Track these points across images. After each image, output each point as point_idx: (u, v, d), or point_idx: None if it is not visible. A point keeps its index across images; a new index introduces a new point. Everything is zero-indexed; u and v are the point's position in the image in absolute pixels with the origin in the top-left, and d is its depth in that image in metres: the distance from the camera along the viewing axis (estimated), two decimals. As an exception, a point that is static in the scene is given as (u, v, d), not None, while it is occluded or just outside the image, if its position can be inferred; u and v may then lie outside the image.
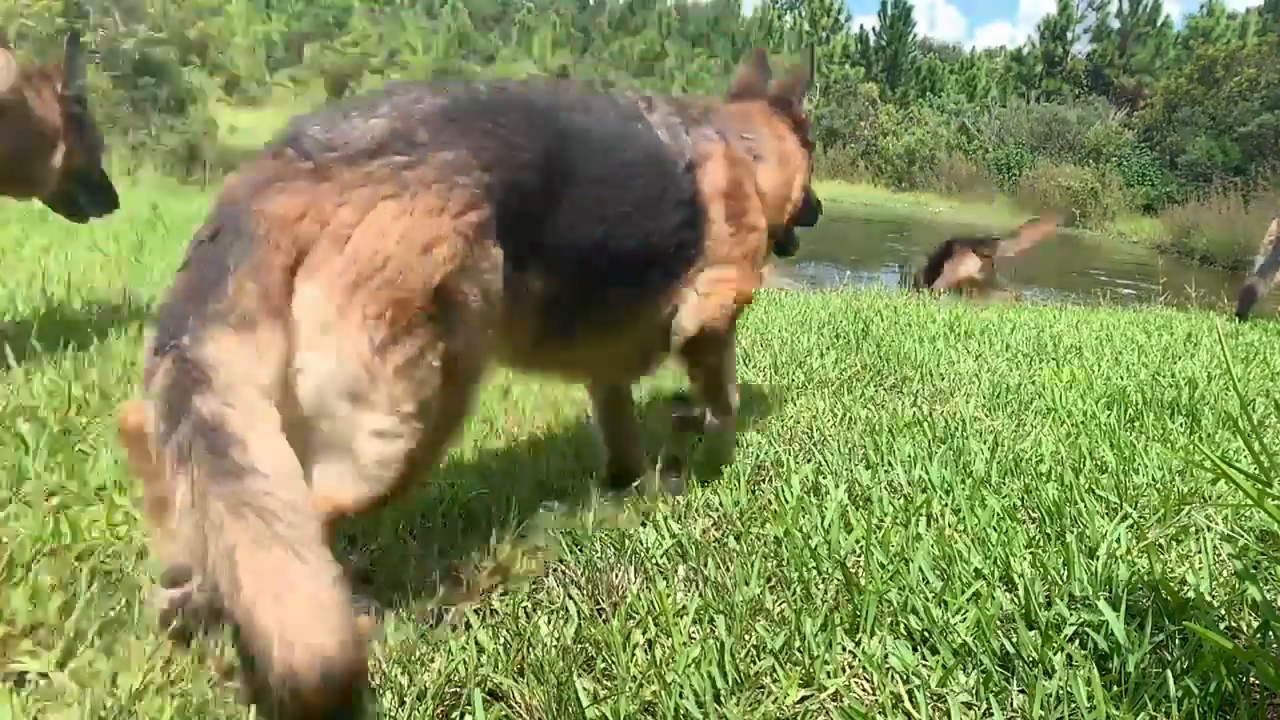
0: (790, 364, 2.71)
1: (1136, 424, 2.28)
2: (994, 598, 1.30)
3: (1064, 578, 1.36)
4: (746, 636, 1.21)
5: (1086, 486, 1.75)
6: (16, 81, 2.20)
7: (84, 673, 1.05)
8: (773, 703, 1.09)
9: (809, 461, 1.88)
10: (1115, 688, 1.10)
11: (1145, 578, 1.34)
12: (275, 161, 1.07)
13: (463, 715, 1.06)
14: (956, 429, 2.11)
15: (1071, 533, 1.51)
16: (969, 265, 6.97)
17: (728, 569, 1.39)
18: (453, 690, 1.09)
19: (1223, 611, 1.29)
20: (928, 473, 1.79)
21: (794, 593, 1.32)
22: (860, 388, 2.51)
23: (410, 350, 1.08)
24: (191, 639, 1.10)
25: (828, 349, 3.00)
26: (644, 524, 1.55)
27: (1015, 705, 1.10)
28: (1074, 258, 18.03)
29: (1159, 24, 33.75)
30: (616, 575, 1.36)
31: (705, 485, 1.72)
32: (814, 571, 1.38)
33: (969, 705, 1.10)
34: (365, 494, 1.09)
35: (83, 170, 2.42)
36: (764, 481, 1.79)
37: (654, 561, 1.42)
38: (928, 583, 1.35)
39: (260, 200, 1.03)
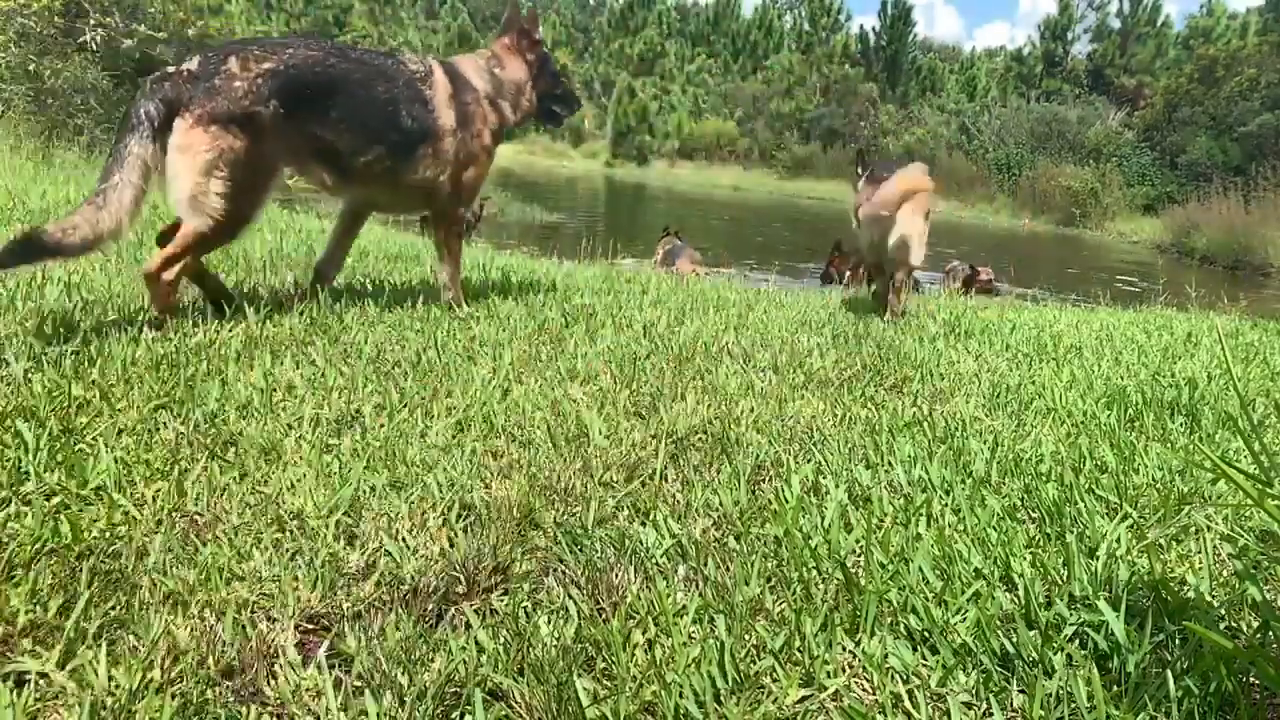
0: (790, 364, 2.71)
1: (1136, 424, 2.28)
2: (994, 598, 1.30)
3: (1064, 578, 1.36)
4: (746, 636, 1.21)
5: (1086, 486, 1.75)
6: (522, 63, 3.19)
7: (84, 673, 1.05)
8: (773, 703, 1.09)
9: (809, 461, 1.88)
10: (1115, 688, 1.10)
11: (1145, 578, 1.34)
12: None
13: (463, 715, 1.06)
14: (956, 429, 2.11)
15: (1071, 533, 1.51)
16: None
17: (728, 569, 1.39)
18: (453, 690, 1.09)
19: (1223, 611, 1.29)
20: (928, 473, 1.79)
21: (794, 593, 1.32)
22: (860, 388, 2.51)
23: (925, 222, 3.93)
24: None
25: (828, 349, 3.00)
26: (644, 524, 1.55)
27: (1015, 705, 1.10)
28: (1074, 258, 18.02)
29: (1159, 24, 33.75)
30: (616, 575, 1.36)
31: (705, 485, 1.72)
32: (814, 571, 1.38)
33: (969, 705, 1.10)
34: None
35: (550, 90, 3.30)
36: (764, 481, 1.79)
37: (654, 561, 1.42)
38: (928, 583, 1.35)
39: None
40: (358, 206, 3.09)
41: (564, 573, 1.38)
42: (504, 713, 1.07)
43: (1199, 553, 1.48)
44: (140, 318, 2.42)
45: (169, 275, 2.42)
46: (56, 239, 2.17)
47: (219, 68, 2.39)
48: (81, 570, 1.23)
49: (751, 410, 2.19)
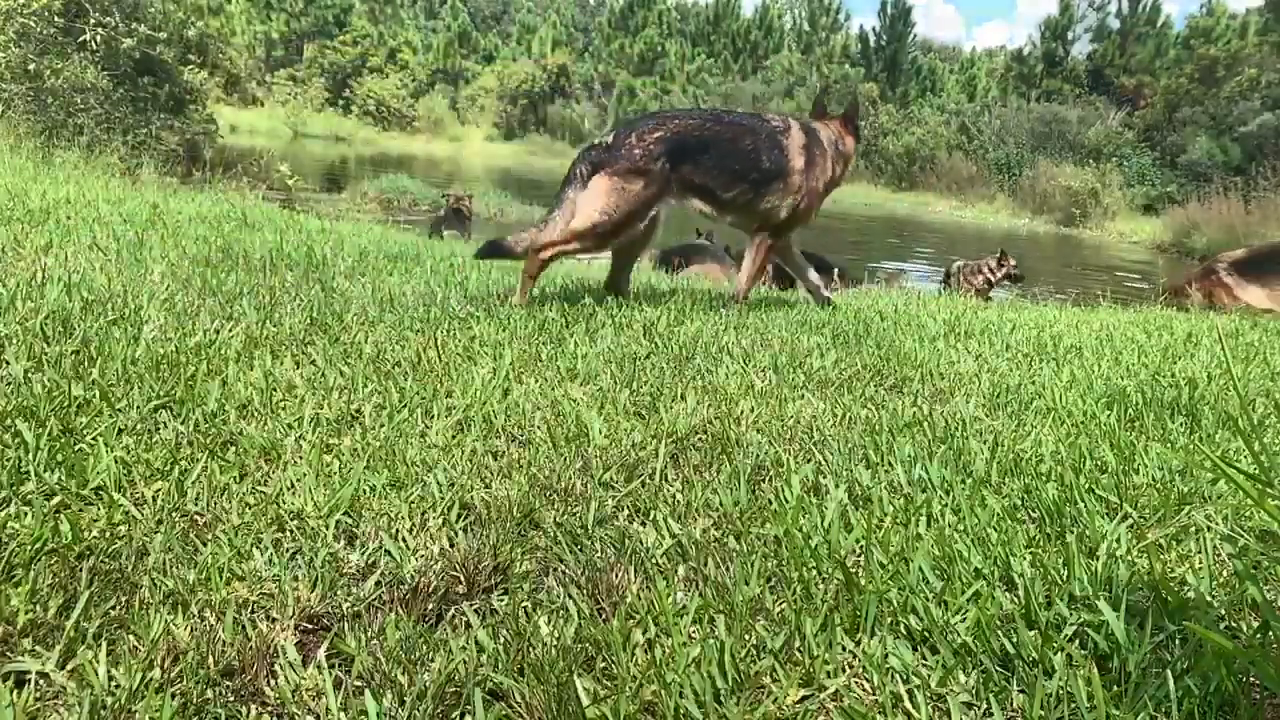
0: (790, 364, 2.71)
1: (1136, 424, 2.28)
2: (994, 598, 1.30)
3: (1064, 578, 1.36)
4: (746, 636, 1.21)
5: (1086, 486, 1.75)
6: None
7: (84, 673, 1.05)
8: (773, 703, 1.09)
9: (809, 461, 1.88)
10: (1115, 688, 1.10)
11: (1145, 578, 1.34)
12: None
13: (463, 715, 1.06)
14: (956, 429, 2.11)
15: (1071, 533, 1.51)
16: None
17: (728, 569, 1.39)
18: (453, 690, 1.09)
19: (1223, 611, 1.29)
20: (928, 473, 1.79)
21: (794, 593, 1.32)
22: (860, 388, 2.51)
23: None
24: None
25: (828, 349, 3.00)
26: (644, 524, 1.55)
27: (1015, 705, 1.10)
28: (1074, 257, 18.04)
29: (1159, 24, 33.73)
30: (616, 575, 1.36)
31: (705, 485, 1.72)
32: (814, 571, 1.38)
33: (969, 705, 1.10)
34: None
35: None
36: (764, 481, 1.79)
37: (654, 561, 1.42)
38: (928, 583, 1.35)
39: None
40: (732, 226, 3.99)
41: (564, 573, 1.38)
42: (504, 713, 1.07)
43: (1199, 553, 1.48)
44: (141, 317, 2.42)
45: (545, 255, 3.43)
46: (510, 245, 3.43)
47: (625, 140, 3.43)
48: (81, 570, 1.23)
49: (751, 410, 2.19)
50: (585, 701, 1.06)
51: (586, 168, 3.44)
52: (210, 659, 1.10)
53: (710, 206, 3.64)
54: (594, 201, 3.40)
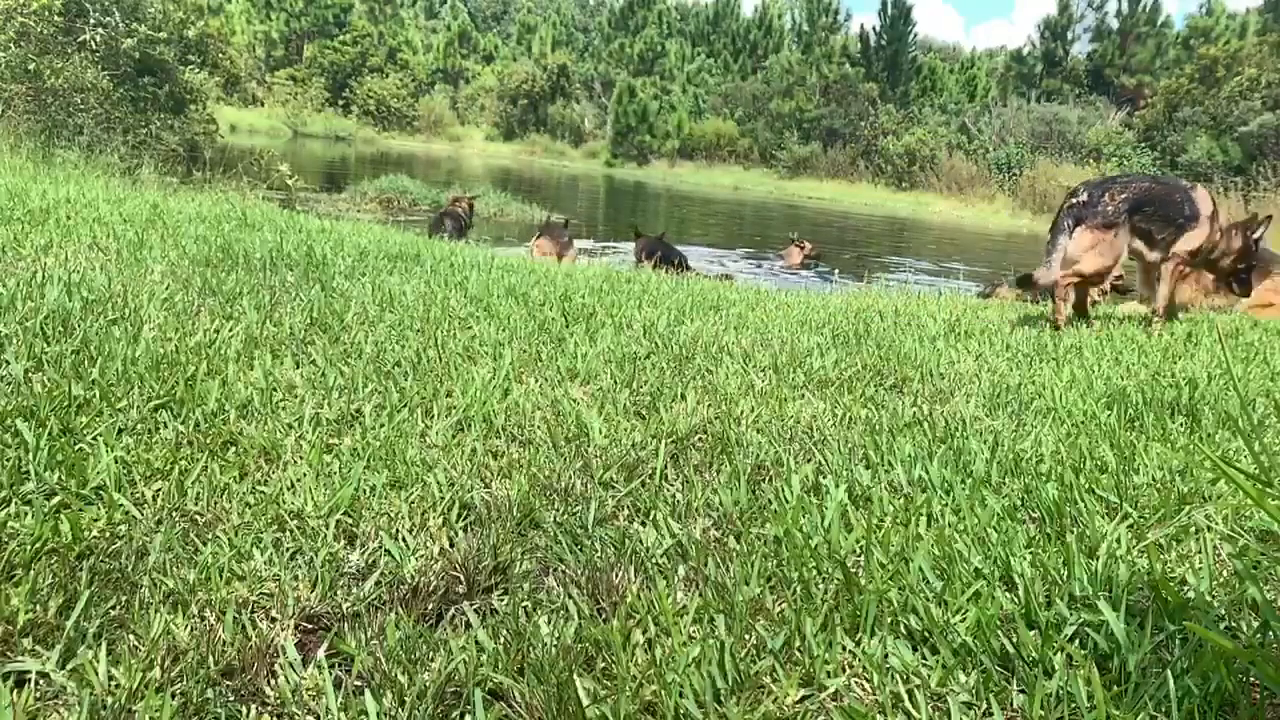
0: (790, 364, 2.71)
1: (1136, 424, 2.28)
2: (994, 598, 1.30)
3: (1064, 578, 1.36)
4: (746, 636, 1.21)
5: (1086, 486, 1.75)
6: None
7: (84, 672, 1.05)
8: (773, 702, 1.09)
9: (809, 461, 1.88)
10: (1115, 688, 1.10)
11: (1145, 578, 1.34)
12: None
13: (463, 715, 1.06)
14: (956, 429, 2.11)
15: (1071, 533, 1.51)
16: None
17: (728, 569, 1.39)
18: (453, 690, 1.09)
19: (1223, 611, 1.29)
20: (928, 473, 1.79)
21: (794, 593, 1.32)
22: (860, 388, 2.51)
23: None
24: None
25: (828, 349, 3.00)
26: (644, 524, 1.55)
27: (1015, 705, 1.10)
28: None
29: (1159, 24, 33.71)
30: (616, 575, 1.36)
31: (705, 485, 1.72)
32: (814, 571, 1.38)
33: (969, 705, 1.10)
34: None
35: (1239, 266, 4.69)
36: (764, 481, 1.79)
37: (654, 561, 1.42)
38: (928, 583, 1.35)
39: None
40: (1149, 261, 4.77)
41: (564, 573, 1.38)
42: (504, 713, 1.07)
43: (1199, 553, 1.48)
44: (141, 317, 2.42)
45: (1077, 301, 4.44)
46: (1036, 278, 4.20)
47: (1099, 199, 4.29)
48: (81, 570, 1.23)
49: (751, 410, 2.19)
50: (585, 701, 1.06)
51: (1070, 220, 4.35)
52: (210, 659, 1.10)
53: (1144, 245, 4.51)
54: (1083, 248, 4.35)
